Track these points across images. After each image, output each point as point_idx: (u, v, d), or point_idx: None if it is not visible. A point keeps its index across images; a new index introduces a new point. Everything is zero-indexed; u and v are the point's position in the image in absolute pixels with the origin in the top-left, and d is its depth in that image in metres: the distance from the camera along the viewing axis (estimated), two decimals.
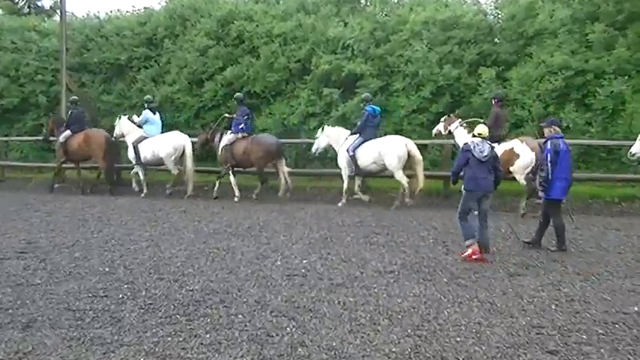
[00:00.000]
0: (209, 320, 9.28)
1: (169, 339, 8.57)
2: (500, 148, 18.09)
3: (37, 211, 19.80)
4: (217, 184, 22.84)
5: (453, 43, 24.48)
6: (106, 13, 32.74)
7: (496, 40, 25.09)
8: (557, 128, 14.47)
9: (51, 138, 25.97)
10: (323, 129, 22.32)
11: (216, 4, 29.72)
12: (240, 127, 22.43)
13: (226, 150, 22.58)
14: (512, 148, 19.06)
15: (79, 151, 24.56)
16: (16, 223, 17.69)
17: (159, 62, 29.24)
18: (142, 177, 23.82)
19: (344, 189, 21.21)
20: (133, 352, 8.15)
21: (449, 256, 13.36)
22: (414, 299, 10.24)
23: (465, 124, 20.47)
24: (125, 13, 32.31)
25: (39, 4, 43.79)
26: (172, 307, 9.89)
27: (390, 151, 20.41)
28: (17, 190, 25.15)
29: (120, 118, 24.88)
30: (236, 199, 22.24)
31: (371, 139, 20.86)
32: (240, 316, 9.46)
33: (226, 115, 23.76)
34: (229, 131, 22.79)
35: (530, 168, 18.53)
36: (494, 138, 17.75)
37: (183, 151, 23.26)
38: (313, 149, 22.56)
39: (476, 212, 13.58)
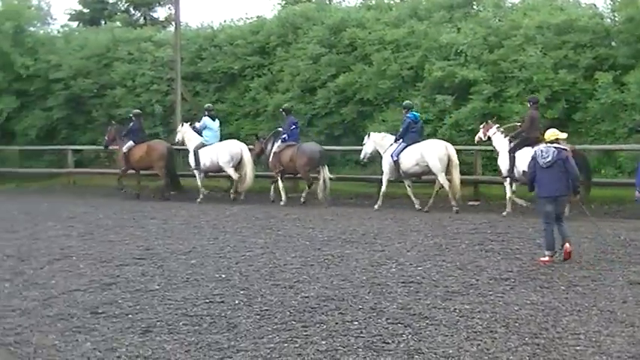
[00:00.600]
0: (324, 327, 9.33)
1: (285, 345, 8.65)
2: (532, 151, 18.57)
3: (154, 219, 20.18)
4: (272, 189, 23.95)
5: (568, 48, 24.03)
6: (219, 23, 33.26)
7: (613, 43, 24.54)
8: None
9: (111, 147, 27.09)
10: (369, 135, 22.88)
11: (328, 12, 29.87)
12: (284, 136, 23.67)
13: (275, 157, 23.82)
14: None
15: (141, 160, 25.73)
16: (134, 230, 18.12)
17: (271, 70, 29.49)
18: (199, 182, 24.93)
19: (381, 193, 21.99)
20: (249, 358, 8.26)
21: (566, 263, 13.13)
22: (531, 307, 10.13)
23: (502, 129, 21.02)
24: (238, 23, 32.71)
25: (154, 15, 44.55)
26: (288, 313, 9.97)
27: (431, 153, 21.09)
28: (133, 198, 25.62)
29: (183, 124, 25.81)
30: (282, 203, 23.24)
31: (414, 143, 21.50)
32: (355, 322, 9.50)
33: (279, 129, 24.32)
34: (279, 139, 23.87)
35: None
36: (531, 139, 19.28)
37: (242, 158, 24.29)
38: (362, 156, 23.25)
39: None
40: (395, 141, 21.95)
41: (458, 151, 21.48)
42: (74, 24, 43.21)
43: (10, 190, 27.95)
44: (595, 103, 23.04)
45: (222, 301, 10.69)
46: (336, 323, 9.50)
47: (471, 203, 21.18)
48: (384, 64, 26.55)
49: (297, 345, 8.64)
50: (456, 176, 21.03)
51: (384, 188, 21.93)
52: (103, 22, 40.52)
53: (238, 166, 24.34)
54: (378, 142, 22.57)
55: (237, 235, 16.95)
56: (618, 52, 23.73)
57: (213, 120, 25.35)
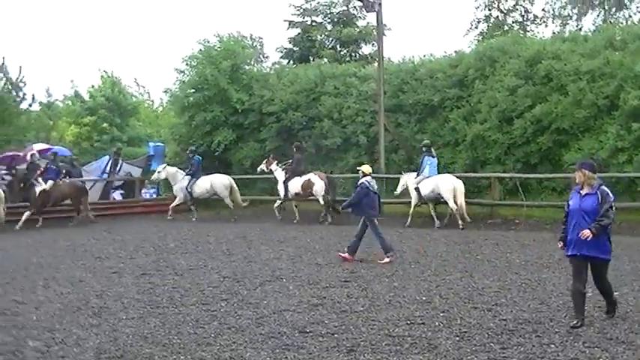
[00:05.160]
0: (522, 349, 9.18)
1: None
2: (301, 180, 27.38)
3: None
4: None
5: None
6: (420, 58, 33.27)
7: None
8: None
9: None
10: (165, 167, 30.43)
11: (524, 45, 29.45)
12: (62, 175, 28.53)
13: (44, 193, 27.21)
14: (310, 179, 27.21)
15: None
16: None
17: (470, 102, 29.25)
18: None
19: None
20: None
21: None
22: None
23: (280, 165, 28.56)
24: (437, 57, 32.70)
25: (359, 52, 45.00)
26: (486, 335, 9.86)
27: (217, 182, 29.08)
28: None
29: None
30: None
31: (203, 176, 29.40)
32: (552, 345, 9.31)
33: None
34: (40, 179, 27.49)
35: (323, 191, 26.83)
36: (299, 173, 27.57)
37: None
38: (153, 177, 31.31)
39: None
40: (186, 175, 29.14)
41: None
42: (285, 61, 44.28)
43: (226, 216, 28.71)
44: None
45: (423, 323, 10.65)
46: (533, 346, 9.31)
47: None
48: (580, 94, 25.86)
49: None
50: (237, 197, 29.23)
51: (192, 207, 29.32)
52: (312, 59, 41.27)
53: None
54: (170, 173, 29.65)
55: (437, 259, 16.88)
56: None
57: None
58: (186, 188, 28.78)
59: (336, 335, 10.08)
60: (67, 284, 14.53)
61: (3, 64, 46.44)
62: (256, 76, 36.07)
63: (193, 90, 35.48)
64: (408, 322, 10.75)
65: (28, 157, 32.10)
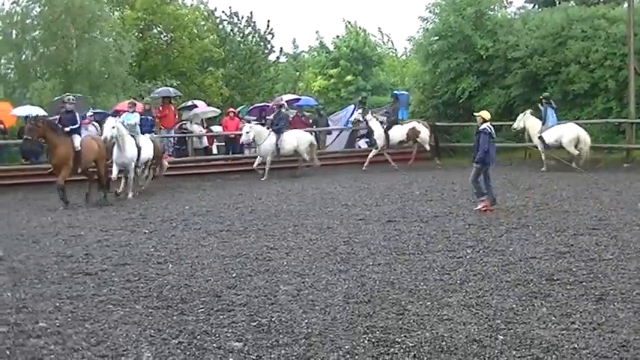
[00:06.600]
0: None
1: None
2: (404, 128, 29.49)
3: (607, 190, 19.81)
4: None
5: None
6: None
7: None
8: None
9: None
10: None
11: None
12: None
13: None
14: (414, 127, 29.42)
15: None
16: (588, 201, 17.86)
17: None
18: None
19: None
20: None
21: None
22: None
23: (374, 115, 30.39)
24: None
25: None
26: None
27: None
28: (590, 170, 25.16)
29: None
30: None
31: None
32: None
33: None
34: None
35: (429, 139, 29.48)
36: (397, 122, 29.78)
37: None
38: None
39: None
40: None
41: None
42: (530, 6, 43.33)
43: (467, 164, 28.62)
44: None
45: None
46: None
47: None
48: None
49: None
50: (314, 155, 28.57)
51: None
52: (558, 2, 40.15)
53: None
54: (257, 132, 27.13)
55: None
56: None
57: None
58: (276, 144, 27.45)
59: (584, 283, 9.92)
60: (315, 231, 14.98)
61: (251, 17, 48.21)
62: (501, 22, 35.45)
63: (437, 37, 35.29)
64: None
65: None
